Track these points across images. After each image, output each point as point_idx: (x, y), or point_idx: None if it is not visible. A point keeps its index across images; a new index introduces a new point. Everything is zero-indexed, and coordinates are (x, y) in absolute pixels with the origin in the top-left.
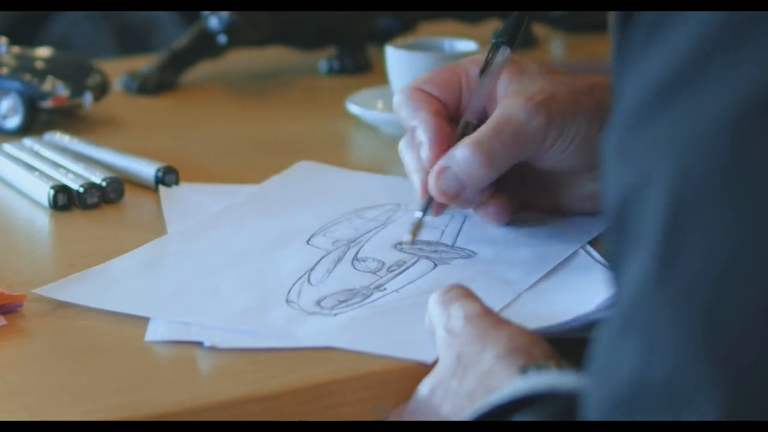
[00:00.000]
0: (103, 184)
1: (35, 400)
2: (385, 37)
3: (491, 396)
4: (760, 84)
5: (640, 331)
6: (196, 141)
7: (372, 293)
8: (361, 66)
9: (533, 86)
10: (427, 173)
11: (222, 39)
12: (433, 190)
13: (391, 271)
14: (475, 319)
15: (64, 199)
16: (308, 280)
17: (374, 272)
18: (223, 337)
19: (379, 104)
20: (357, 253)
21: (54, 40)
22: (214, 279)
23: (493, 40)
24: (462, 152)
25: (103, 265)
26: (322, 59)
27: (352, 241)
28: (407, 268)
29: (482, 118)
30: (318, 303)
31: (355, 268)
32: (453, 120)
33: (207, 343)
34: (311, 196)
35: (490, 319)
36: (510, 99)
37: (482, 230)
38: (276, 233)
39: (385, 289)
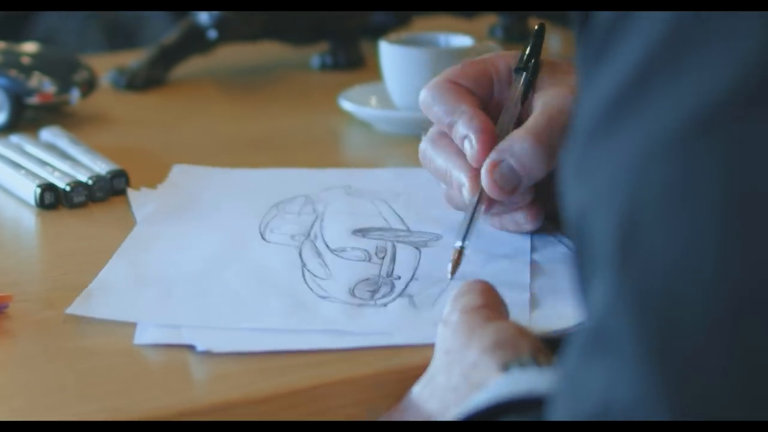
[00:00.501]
0: (90, 182)
1: (21, 402)
2: (379, 32)
3: (472, 397)
4: (704, 99)
5: (603, 354)
6: (185, 138)
7: (392, 282)
8: (354, 62)
9: (571, 80)
10: (476, 169)
11: (212, 34)
12: (487, 184)
13: (381, 258)
14: (469, 313)
15: (51, 198)
16: (314, 275)
17: (368, 260)
18: (216, 340)
19: (373, 101)
20: (327, 245)
21: (41, 35)
22: (218, 284)
23: (535, 29)
24: (521, 144)
25: (98, 280)
26: (314, 55)
27: (307, 235)
28: (394, 253)
29: (519, 116)
30: (352, 294)
31: (342, 258)
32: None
33: (200, 348)
34: (212, 199)
35: (484, 314)
36: (553, 90)
37: (419, 211)
38: (224, 234)
39: (399, 277)
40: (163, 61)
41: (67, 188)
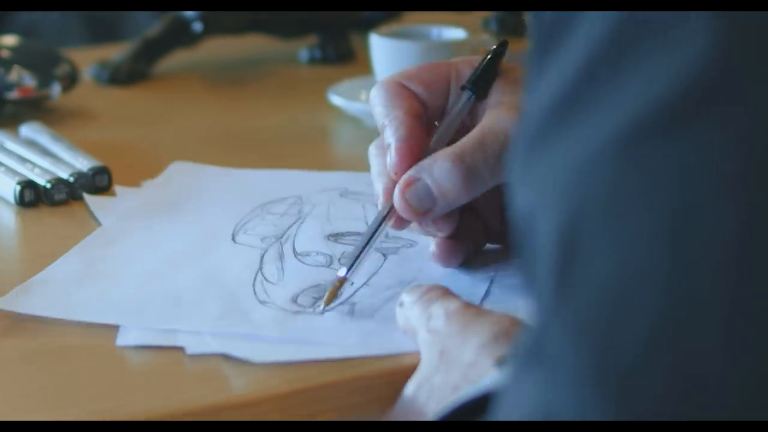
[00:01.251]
0: (71, 179)
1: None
2: (370, 24)
3: (463, 392)
4: (648, 102)
5: (541, 365)
6: (170, 134)
7: (342, 288)
8: (343, 55)
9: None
10: (391, 180)
11: (197, 27)
12: (397, 202)
13: (342, 264)
14: (455, 314)
15: (31, 196)
16: (266, 279)
17: (327, 266)
18: (204, 342)
19: (363, 96)
20: (294, 248)
21: (20, 28)
22: (165, 283)
23: (465, 85)
24: (440, 164)
25: (45, 273)
26: (302, 48)
27: (280, 237)
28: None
29: (465, 127)
30: (294, 301)
31: (303, 263)
32: (433, 125)
33: (189, 351)
34: (200, 197)
35: (471, 311)
36: (499, 110)
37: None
38: (195, 234)
39: (352, 282)
40: (146, 54)
41: (48, 185)
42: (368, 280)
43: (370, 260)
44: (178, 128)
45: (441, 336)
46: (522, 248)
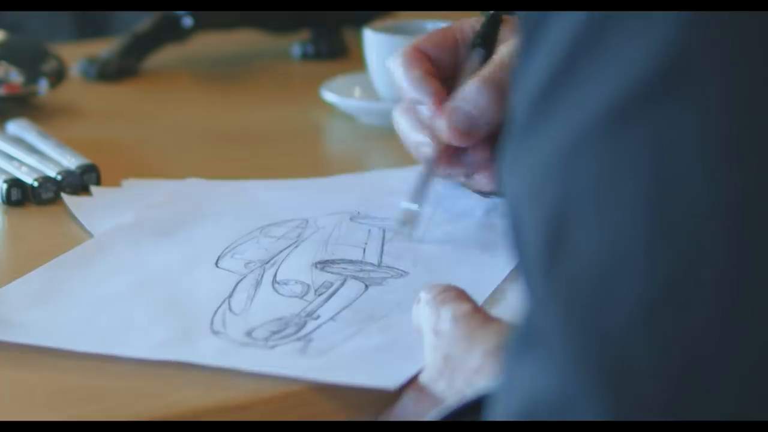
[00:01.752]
0: (59, 177)
1: None
2: (363, 19)
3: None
4: (621, 86)
5: (532, 350)
6: (159, 131)
7: (306, 322)
8: (337, 51)
9: None
10: (432, 126)
11: (187, 22)
12: (445, 129)
13: (319, 295)
14: (463, 318)
15: (18, 194)
16: (230, 309)
17: (301, 297)
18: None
19: (357, 92)
20: (275, 276)
21: (6, 23)
22: (122, 306)
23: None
24: (470, 87)
25: (2, 291)
26: (295, 43)
27: (266, 262)
28: (336, 290)
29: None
30: (248, 334)
31: (277, 292)
32: (448, 82)
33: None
34: (205, 215)
35: (479, 317)
36: (511, 40)
37: (406, 247)
38: (177, 256)
39: (318, 316)
40: (135, 50)
41: (35, 184)
42: (338, 313)
43: (351, 291)
44: (168, 125)
45: (446, 340)
46: (512, 236)
